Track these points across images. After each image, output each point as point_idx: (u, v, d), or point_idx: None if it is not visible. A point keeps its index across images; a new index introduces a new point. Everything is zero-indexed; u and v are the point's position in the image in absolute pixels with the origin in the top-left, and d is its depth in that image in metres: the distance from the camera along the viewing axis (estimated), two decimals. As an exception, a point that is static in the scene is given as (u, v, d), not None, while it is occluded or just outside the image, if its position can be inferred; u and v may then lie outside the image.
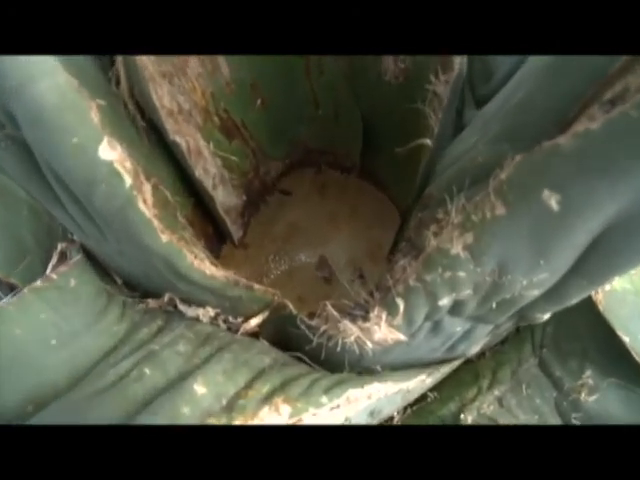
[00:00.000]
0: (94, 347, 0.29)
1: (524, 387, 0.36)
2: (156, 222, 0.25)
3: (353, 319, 0.28)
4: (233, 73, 0.39)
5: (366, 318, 0.28)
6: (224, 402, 0.26)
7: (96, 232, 0.29)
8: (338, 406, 0.29)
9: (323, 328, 0.29)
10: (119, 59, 0.28)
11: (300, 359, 0.33)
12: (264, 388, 0.28)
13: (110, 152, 0.24)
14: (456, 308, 0.27)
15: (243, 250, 0.49)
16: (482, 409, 0.36)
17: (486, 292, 0.25)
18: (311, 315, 0.31)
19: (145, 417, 0.23)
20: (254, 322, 0.33)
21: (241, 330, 0.33)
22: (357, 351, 0.29)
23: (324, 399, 0.28)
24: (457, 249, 0.23)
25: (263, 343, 0.33)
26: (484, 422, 0.35)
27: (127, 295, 0.33)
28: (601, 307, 0.33)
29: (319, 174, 0.53)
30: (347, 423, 0.31)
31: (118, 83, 0.27)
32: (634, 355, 0.32)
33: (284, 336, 0.33)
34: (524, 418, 0.35)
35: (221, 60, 0.38)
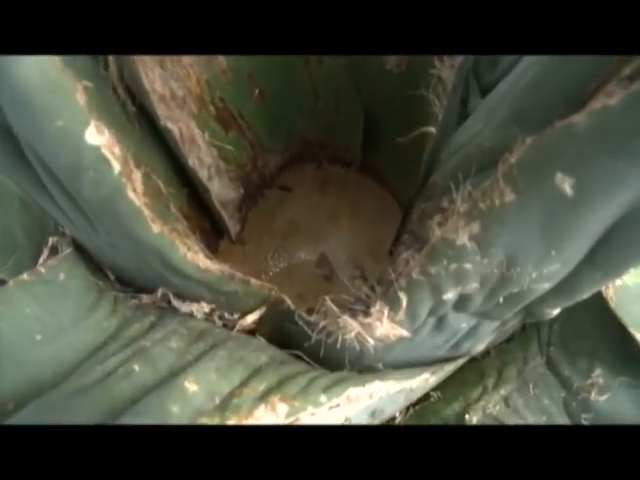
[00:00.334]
0: (82, 343, 0.28)
1: (531, 386, 0.35)
2: (146, 211, 0.24)
3: (353, 314, 0.27)
4: (230, 61, 0.38)
5: (367, 313, 0.27)
6: (217, 401, 0.24)
7: (86, 224, 0.28)
8: (338, 405, 0.28)
9: (322, 324, 0.28)
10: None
11: (298, 357, 0.32)
12: (260, 386, 0.26)
13: (97, 137, 0.22)
14: (461, 303, 0.26)
15: (241, 246, 0.49)
16: (488, 409, 0.35)
17: (493, 285, 0.24)
18: (310, 311, 0.30)
19: (131, 416, 0.21)
20: (251, 318, 0.32)
21: (237, 327, 0.32)
22: (358, 348, 0.28)
23: (323, 398, 0.27)
24: (463, 239, 0.22)
25: (260, 340, 0.32)
26: (490, 422, 0.34)
27: (119, 291, 0.32)
28: (612, 303, 0.32)
29: (320, 170, 0.52)
30: (347, 423, 0.30)
31: (107, 66, 0.26)
32: (647, 353, 0.31)
33: (282, 333, 0.32)
34: (532, 419, 0.34)
35: (217, 48, 0.37)
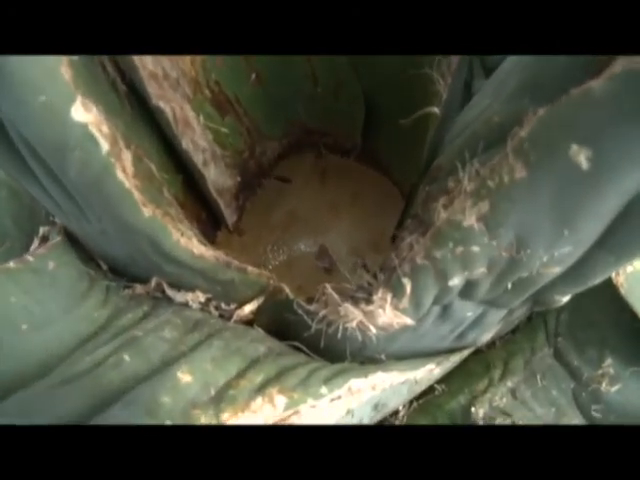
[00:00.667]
0: (71, 334, 0.27)
1: (539, 378, 0.34)
2: (137, 194, 0.23)
3: (355, 302, 0.26)
4: (225, 44, 0.36)
5: (369, 301, 0.26)
6: (212, 392, 0.23)
7: (76, 211, 0.27)
8: (339, 397, 0.27)
9: (322, 313, 0.27)
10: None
11: (298, 348, 0.31)
12: (257, 378, 0.25)
13: (84, 114, 0.21)
14: (468, 290, 0.25)
15: (239, 237, 0.47)
16: (494, 401, 0.34)
17: (501, 270, 0.23)
18: (310, 300, 0.29)
19: (119, 407, 0.20)
20: (248, 308, 0.31)
21: (234, 317, 0.31)
22: (359, 338, 0.27)
23: (324, 389, 0.26)
24: (470, 220, 0.21)
25: (258, 331, 0.31)
26: (496, 415, 0.33)
27: (112, 280, 0.31)
28: (623, 290, 0.31)
29: (319, 159, 0.51)
30: (349, 416, 0.29)
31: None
32: (660, 341, 0.30)
33: (281, 324, 0.31)
34: (540, 410, 0.33)
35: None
